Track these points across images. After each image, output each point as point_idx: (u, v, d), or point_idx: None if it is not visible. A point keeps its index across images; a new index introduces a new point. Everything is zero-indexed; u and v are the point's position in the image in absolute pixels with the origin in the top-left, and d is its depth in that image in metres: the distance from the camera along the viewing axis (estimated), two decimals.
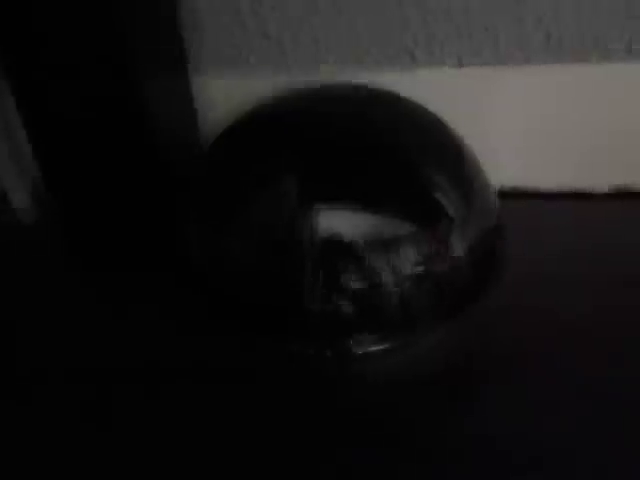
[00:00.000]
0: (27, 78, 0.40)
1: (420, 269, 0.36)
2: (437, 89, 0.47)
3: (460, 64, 0.47)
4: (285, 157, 0.37)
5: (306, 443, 0.31)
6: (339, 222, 0.35)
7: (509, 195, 0.52)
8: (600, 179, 0.49)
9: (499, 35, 0.45)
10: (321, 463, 0.30)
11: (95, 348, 0.38)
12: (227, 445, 0.31)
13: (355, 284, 0.35)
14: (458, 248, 0.37)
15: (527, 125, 0.48)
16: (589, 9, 0.43)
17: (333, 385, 0.35)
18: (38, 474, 0.30)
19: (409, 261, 0.35)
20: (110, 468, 0.30)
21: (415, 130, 0.40)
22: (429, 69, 0.47)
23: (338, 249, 0.35)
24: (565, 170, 0.50)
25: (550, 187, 0.51)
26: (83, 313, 0.42)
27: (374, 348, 0.35)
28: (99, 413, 0.33)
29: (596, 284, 0.41)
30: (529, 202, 0.51)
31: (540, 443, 0.30)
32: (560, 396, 0.33)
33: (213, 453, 0.31)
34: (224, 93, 0.52)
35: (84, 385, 0.35)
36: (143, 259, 0.44)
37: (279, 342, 0.36)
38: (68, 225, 0.47)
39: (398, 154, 0.38)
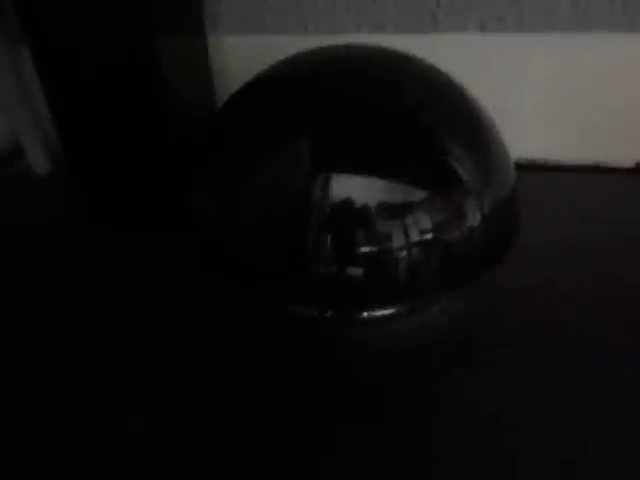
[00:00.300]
0: (44, 37, 0.40)
1: (431, 236, 0.35)
2: (458, 55, 0.46)
3: (483, 29, 0.45)
4: (298, 119, 0.36)
5: (303, 407, 0.31)
6: (350, 185, 0.34)
7: (527, 167, 0.51)
8: (625, 154, 0.48)
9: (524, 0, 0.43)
10: (317, 430, 0.30)
11: (96, 301, 0.38)
12: (227, 407, 0.31)
13: (364, 248, 0.34)
14: (471, 217, 0.36)
15: (549, 95, 0.47)
16: None
17: (335, 348, 0.35)
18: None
19: (420, 228, 0.35)
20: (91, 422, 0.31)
21: (434, 94, 0.39)
22: (451, 34, 0.45)
23: (348, 212, 0.34)
24: (587, 143, 0.48)
25: (571, 160, 0.49)
26: (90, 268, 0.42)
27: (379, 313, 0.35)
28: (84, 368, 0.34)
29: (613, 257, 0.40)
30: (548, 175, 0.50)
31: (546, 419, 0.30)
32: (568, 368, 0.32)
33: (214, 412, 0.31)
34: (239, 52, 0.51)
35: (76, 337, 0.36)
36: (155, 220, 0.44)
37: (285, 305, 0.36)
38: (83, 183, 0.47)
39: (414, 118, 0.36)
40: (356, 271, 0.34)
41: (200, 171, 0.39)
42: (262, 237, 0.35)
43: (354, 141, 0.34)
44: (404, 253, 0.34)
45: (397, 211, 0.34)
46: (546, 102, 0.47)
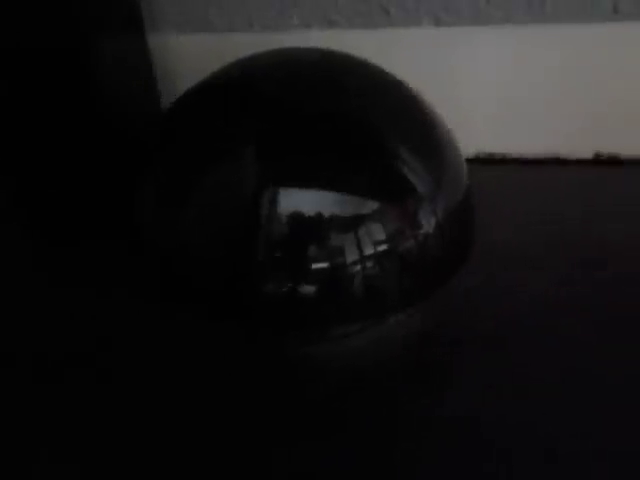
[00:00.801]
0: None
1: (385, 247, 0.33)
2: (412, 50, 0.45)
3: (437, 23, 0.43)
4: (243, 128, 0.34)
5: (256, 428, 0.30)
6: (298, 198, 0.32)
7: (485, 161, 0.50)
8: (583, 146, 0.47)
9: None
10: (273, 447, 0.29)
11: (35, 327, 0.36)
12: (172, 430, 0.30)
13: (315, 264, 0.33)
14: (426, 225, 0.35)
15: (506, 89, 0.46)
16: None
17: (287, 367, 0.34)
18: None
19: (373, 239, 0.33)
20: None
21: (384, 100, 0.37)
22: (404, 29, 0.44)
23: (297, 226, 0.32)
24: (546, 135, 0.48)
25: (531, 153, 0.48)
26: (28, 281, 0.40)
27: (336, 332, 0.34)
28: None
29: (574, 256, 0.40)
30: (506, 168, 0.49)
31: (511, 426, 0.29)
32: (541, 375, 0.32)
33: (159, 437, 0.29)
34: (184, 51, 0.48)
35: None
36: (95, 228, 0.42)
37: (231, 326, 0.35)
38: (17, 184, 0.44)
39: (363, 125, 0.35)
40: (307, 288, 0.32)
41: (142, 179, 0.37)
42: (207, 251, 0.33)
43: (303, 151, 0.32)
44: (358, 267, 0.32)
45: (348, 223, 0.32)
46: (503, 95, 0.46)
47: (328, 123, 0.33)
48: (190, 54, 0.48)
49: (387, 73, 0.38)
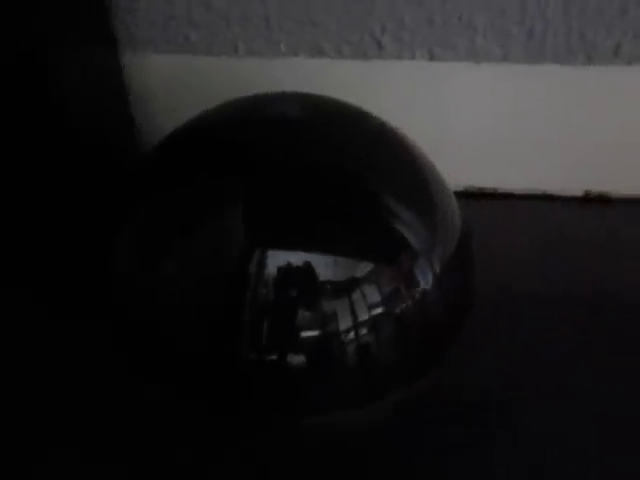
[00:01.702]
0: None
1: (381, 310, 0.32)
2: (403, 83, 0.43)
3: (431, 57, 0.41)
4: (229, 184, 0.32)
5: None
6: (286, 260, 0.30)
7: (475, 195, 0.48)
8: (574, 183, 0.46)
9: (477, 27, 0.40)
10: None
11: None
12: None
13: (305, 331, 0.31)
14: (423, 282, 0.33)
15: (499, 124, 0.44)
16: (577, 7, 0.38)
17: (271, 445, 0.32)
18: None
19: (368, 303, 0.32)
20: None
21: (371, 151, 0.35)
22: (397, 61, 0.42)
23: (285, 290, 0.30)
24: (537, 172, 0.46)
25: (521, 189, 0.47)
26: None
27: (327, 409, 0.32)
28: None
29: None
30: (497, 203, 0.48)
31: None
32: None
33: None
34: (162, 73, 0.45)
35: None
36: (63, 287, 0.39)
37: (212, 402, 0.33)
38: None
39: (353, 180, 0.33)
40: (296, 358, 0.30)
41: (118, 235, 0.34)
42: (186, 316, 0.31)
43: (290, 209, 0.30)
44: (352, 334, 0.31)
45: (341, 286, 0.30)
46: (495, 129, 0.44)
47: (317, 179, 0.31)
48: (167, 76, 0.45)
49: (371, 117, 0.36)
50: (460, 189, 0.47)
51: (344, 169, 0.32)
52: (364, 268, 0.31)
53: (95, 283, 0.35)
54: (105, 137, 0.43)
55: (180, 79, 0.45)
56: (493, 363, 0.35)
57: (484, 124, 0.44)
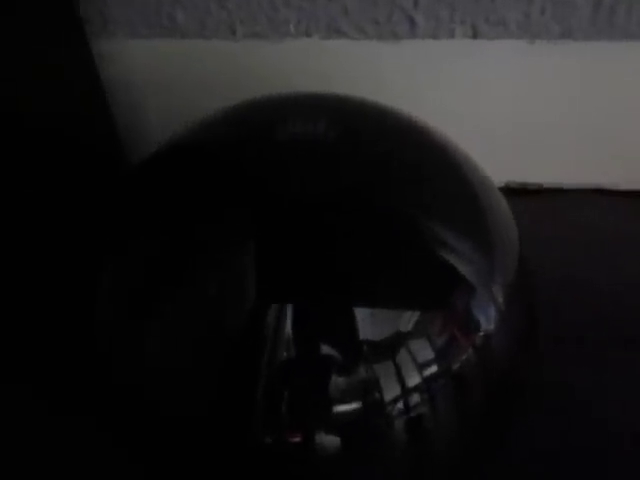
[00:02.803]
0: None
1: (437, 369, 0.25)
2: (440, 67, 0.35)
3: (475, 34, 0.34)
4: (236, 217, 0.25)
5: None
6: (307, 316, 0.23)
7: (518, 192, 0.42)
8: (624, 175, 0.40)
9: None
10: None
11: None
12: None
13: (337, 406, 0.24)
14: (485, 321, 0.27)
15: (551, 112, 0.37)
16: None
17: None
18: None
19: (420, 360, 0.25)
20: None
21: (408, 165, 0.28)
22: (433, 41, 0.34)
23: (310, 353, 0.24)
24: (587, 163, 0.40)
25: (570, 183, 0.41)
26: None
27: None
28: None
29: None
30: (543, 200, 0.42)
31: None
32: None
33: None
34: (144, 61, 0.37)
35: None
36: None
37: None
38: None
39: (388, 206, 0.26)
40: (326, 439, 0.24)
41: (101, 276, 0.27)
42: (185, 389, 0.24)
43: (314, 249, 0.23)
44: (400, 406, 0.24)
45: (384, 344, 0.24)
46: (545, 118, 0.38)
47: (343, 207, 0.24)
48: (149, 66, 0.37)
49: (405, 119, 0.29)
50: (500, 185, 0.41)
51: (375, 193, 0.25)
52: (410, 317, 0.24)
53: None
54: (80, 143, 0.35)
55: (165, 70, 0.37)
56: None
57: (532, 111, 0.37)
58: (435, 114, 0.31)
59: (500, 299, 0.27)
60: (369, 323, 0.23)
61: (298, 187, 0.24)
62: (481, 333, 0.26)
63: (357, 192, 0.24)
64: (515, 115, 0.37)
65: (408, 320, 0.23)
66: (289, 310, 0.22)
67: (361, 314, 0.22)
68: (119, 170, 0.36)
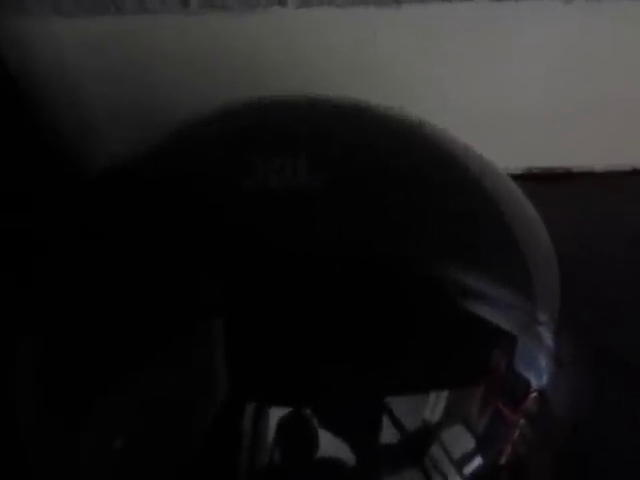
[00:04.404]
0: None
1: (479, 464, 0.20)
2: (452, 36, 0.28)
3: None
4: (197, 295, 0.18)
5: None
6: (304, 427, 0.17)
7: (542, 177, 0.35)
8: None
9: None
10: None
11: None
12: None
13: None
14: (536, 377, 0.21)
15: (583, 87, 0.31)
16: None
17: None
18: None
19: (455, 461, 0.19)
20: None
21: (423, 196, 0.21)
22: (443, 3, 0.27)
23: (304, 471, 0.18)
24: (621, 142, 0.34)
25: (602, 166, 0.35)
26: None
27: None
28: None
29: None
30: (573, 186, 0.35)
31: None
32: None
33: None
34: (72, 43, 0.29)
35: None
36: None
37: None
38: None
39: (397, 268, 0.19)
40: None
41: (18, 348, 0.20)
42: None
43: (304, 335, 0.17)
44: None
45: (408, 446, 0.17)
46: (573, 96, 0.31)
47: (343, 265, 0.17)
48: (78, 49, 0.29)
49: (407, 127, 0.22)
50: (519, 172, 0.34)
51: (376, 244, 0.19)
52: (434, 404, 0.18)
53: None
54: None
55: (100, 55, 0.29)
56: None
57: (564, 88, 0.30)
58: (444, 96, 0.25)
59: (550, 341, 0.22)
60: (384, 421, 0.17)
61: (281, 244, 0.18)
62: (533, 395, 0.20)
63: (354, 245, 0.18)
64: (543, 93, 0.30)
65: (432, 408, 0.18)
66: (273, 410, 0.16)
67: (372, 411, 0.17)
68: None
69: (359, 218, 0.18)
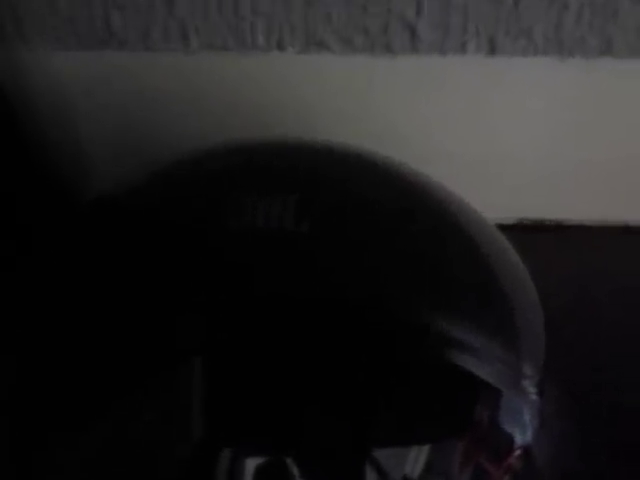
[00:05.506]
0: None
1: None
2: (447, 89, 0.29)
3: (492, 49, 0.27)
4: (174, 339, 0.17)
5: None
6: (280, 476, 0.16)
7: (532, 229, 0.36)
8: None
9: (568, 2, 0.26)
10: None
11: None
12: None
13: None
14: (520, 433, 0.21)
15: (577, 141, 0.31)
16: None
17: None
18: None
19: None
20: None
21: (412, 252, 0.21)
22: (438, 57, 0.27)
23: None
24: (613, 199, 0.34)
25: (592, 220, 0.35)
26: None
27: None
28: None
29: None
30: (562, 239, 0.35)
31: None
32: None
33: None
34: (63, 75, 0.29)
35: None
36: None
37: None
38: None
39: (392, 318, 0.19)
40: None
41: None
42: None
43: (284, 384, 0.16)
44: None
45: None
46: (566, 151, 0.31)
47: (325, 321, 0.17)
48: (74, 85, 0.29)
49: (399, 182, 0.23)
50: (511, 222, 0.35)
51: (366, 296, 0.18)
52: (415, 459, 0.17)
53: None
54: None
55: (100, 89, 0.30)
56: None
57: (558, 143, 0.31)
58: (437, 146, 0.25)
59: (533, 394, 0.21)
60: (363, 475, 0.16)
61: (263, 288, 0.17)
62: (517, 451, 0.19)
63: (338, 293, 0.18)
64: (537, 147, 0.31)
65: (413, 463, 0.17)
66: (248, 463, 0.15)
67: (351, 464, 0.16)
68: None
69: (346, 266, 0.18)
